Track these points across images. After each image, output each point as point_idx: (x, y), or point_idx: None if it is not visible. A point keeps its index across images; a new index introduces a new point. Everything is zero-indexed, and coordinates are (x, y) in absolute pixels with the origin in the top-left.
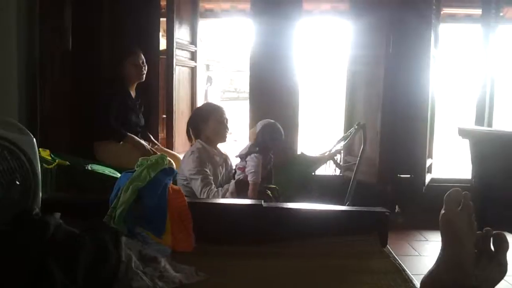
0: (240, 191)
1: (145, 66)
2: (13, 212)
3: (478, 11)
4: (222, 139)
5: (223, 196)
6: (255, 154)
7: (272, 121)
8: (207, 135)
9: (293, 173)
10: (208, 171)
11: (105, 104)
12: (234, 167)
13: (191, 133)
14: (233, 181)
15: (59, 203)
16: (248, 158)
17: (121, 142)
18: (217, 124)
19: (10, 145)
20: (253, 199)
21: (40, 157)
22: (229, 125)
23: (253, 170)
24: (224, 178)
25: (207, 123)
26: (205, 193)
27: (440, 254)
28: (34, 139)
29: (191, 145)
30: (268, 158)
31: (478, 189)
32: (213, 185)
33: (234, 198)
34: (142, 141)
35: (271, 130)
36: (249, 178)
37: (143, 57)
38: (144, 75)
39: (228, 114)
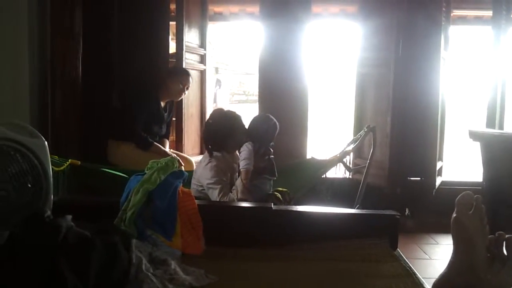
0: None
1: (187, 91)
2: (25, 215)
3: (489, 13)
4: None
5: (236, 198)
6: (247, 143)
7: (263, 113)
8: (231, 147)
9: (303, 176)
10: (226, 180)
11: (136, 111)
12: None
13: (210, 145)
14: (238, 180)
15: (70, 205)
16: (241, 148)
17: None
18: (242, 136)
19: (22, 147)
20: (245, 186)
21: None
22: None
23: (243, 158)
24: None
25: (234, 137)
26: None
27: (451, 258)
28: (46, 142)
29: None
30: (264, 148)
31: (489, 192)
32: (231, 194)
33: (245, 196)
34: (168, 150)
35: (261, 119)
36: (241, 166)
37: (191, 83)
38: (179, 98)
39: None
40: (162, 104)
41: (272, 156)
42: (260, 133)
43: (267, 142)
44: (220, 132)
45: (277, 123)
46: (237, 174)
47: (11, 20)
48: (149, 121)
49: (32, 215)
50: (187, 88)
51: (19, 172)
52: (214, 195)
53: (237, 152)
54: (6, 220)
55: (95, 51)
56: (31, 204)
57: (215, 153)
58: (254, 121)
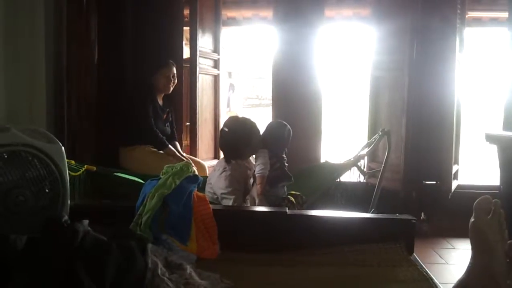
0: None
1: (174, 79)
2: (42, 219)
3: (504, 14)
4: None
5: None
6: (262, 149)
7: (277, 120)
8: (248, 154)
9: (317, 180)
10: (239, 189)
11: (144, 111)
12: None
13: (227, 154)
14: (254, 188)
15: (86, 210)
16: (257, 154)
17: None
18: (258, 143)
19: (39, 153)
20: (260, 193)
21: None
22: None
23: (259, 163)
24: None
25: (251, 145)
26: None
27: (470, 263)
28: (63, 147)
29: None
30: (277, 157)
31: (507, 196)
32: (245, 204)
33: (263, 204)
34: (181, 154)
35: (275, 126)
36: (256, 171)
37: (174, 71)
38: (171, 88)
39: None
40: (160, 101)
41: (286, 163)
42: (275, 140)
43: (282, 149)
44: (237, 141)
45: (291, 130)
46: (251, 180)
47: (28, 27)
48: (154, 118)
49: (50, 220)
50: (173, 77)
51: (36, 177)
52: (228, 205)
53: (252, 157)
54: (24, 224)
55: (110, 57)
56: (48, 209)
57: (231, 161)
58: (269, 128)
